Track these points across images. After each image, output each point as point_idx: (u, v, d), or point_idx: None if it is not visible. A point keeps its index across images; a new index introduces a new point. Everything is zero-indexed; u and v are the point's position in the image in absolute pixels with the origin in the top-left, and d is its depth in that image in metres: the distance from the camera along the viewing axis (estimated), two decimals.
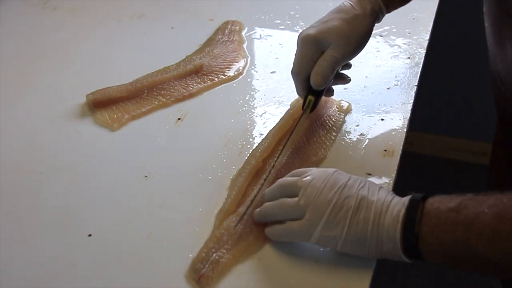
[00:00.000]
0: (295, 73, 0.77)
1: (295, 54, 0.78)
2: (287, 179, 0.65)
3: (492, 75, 0.76)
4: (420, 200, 0.56)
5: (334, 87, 0.83)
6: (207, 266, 0.62)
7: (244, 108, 0.86)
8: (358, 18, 0.76)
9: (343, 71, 0.83)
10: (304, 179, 0.62)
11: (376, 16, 0.78)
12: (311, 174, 0.63)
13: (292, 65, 0.78)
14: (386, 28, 1.01)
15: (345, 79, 0.83)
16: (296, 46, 0.78)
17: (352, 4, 0.77)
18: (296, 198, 0.61)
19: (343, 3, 0.78)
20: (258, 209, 0.66)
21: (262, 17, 1.09)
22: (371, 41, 0.88)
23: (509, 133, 0.77)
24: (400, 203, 0.58)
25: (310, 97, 0.77)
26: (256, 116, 0.85)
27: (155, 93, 0.88)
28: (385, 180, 0.73)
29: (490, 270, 0.55)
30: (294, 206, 0.61)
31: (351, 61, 0.82)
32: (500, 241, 0.51)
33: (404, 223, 0.56)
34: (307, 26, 0.79)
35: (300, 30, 1.04)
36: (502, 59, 0.70)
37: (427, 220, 0.55)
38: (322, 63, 0.75)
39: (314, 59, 0.75)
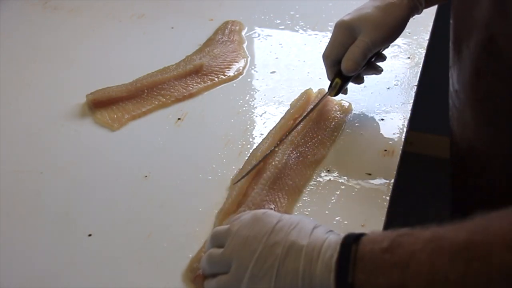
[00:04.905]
0: (326, 56, 0.79)
1: (329, 40, 0.79)
2: (219, 227, 0.59)
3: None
4: (353, 242, 0.50)
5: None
6: None
7: (244, 108, 0.86)
8: (393, 6, 0.76)
9: (378, 63, 0.83)
10: (232, 227, 0.56)
11: (414, 7, 0.78)
12: (240, 220, 0.56)
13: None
14: None
15: (377, 70, 0.83)
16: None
17: None
18: (222, 249, 0.55)
19: None
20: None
21: (262, 17, 1.09)
22: None
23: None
24: (332, 247, 0.51)
25: (337, 80, 0.78)
26: (256, 116, 0.85)
27: (155, 93, 0.88)
28: (385, 180, 0.73)
29: None
30: (220, 258, 0.55)
31: (386, 54, 0.84)
32: (439, 284, 0.45)
33: (336, 271, 0.49)
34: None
35: (300, 30, 1.05)
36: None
37: (361, 266, 0.49)
38: (353, 49, 0.75)
39: (346, 45, 0.76)
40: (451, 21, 0.71)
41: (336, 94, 0.80)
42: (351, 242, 0.50)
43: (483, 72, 0.63)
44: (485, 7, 0.60)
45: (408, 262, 0.46)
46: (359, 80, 0.83)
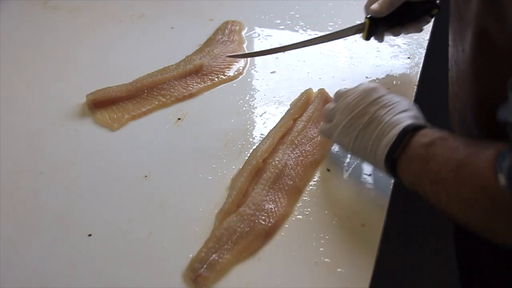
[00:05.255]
0: (365, 6, 0.87)
1: None
2: (342, 89, 0.74)
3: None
4: (410, 130, 0.62)
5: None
6: (205, 266, 0.62)
7: (244, 108, 0.86)
8: None
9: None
10: (346, 93, 0.71)
11: None
12: (355, 87, 0.71)
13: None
14: None
15: (418, 28, 0.89)
16: None
17: None
18: (334, 104, 0.72)
19: None
20: None
21: (262, 17, 1.09)
22: (372, 41, 0.88)
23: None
24: (398, 129, 0.63)
25: (366, 20, 0.84)
26: (256, 116, 0.85)
27: (155, 93, 0.88)
28: (385, 180, 0.72)
29: (434, 205, 0.60)
30: (330, 112, 0.73)
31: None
32: (438, 183, 0.57)
33: (390, 148, 0.63)
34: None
35: (300, 30, 1.05)
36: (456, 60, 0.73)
37: (406, 151, 0.62)
38: None
39: None
40: (449, 21, 0.71)
41: (368, 37, 0.86)
42: (409, 130, 0.62)
43: (480, 73, 0.63)
44: (476, 3, 0.60)
45: (429, 160, 0.59)
46: (396, 31, 0.88)
